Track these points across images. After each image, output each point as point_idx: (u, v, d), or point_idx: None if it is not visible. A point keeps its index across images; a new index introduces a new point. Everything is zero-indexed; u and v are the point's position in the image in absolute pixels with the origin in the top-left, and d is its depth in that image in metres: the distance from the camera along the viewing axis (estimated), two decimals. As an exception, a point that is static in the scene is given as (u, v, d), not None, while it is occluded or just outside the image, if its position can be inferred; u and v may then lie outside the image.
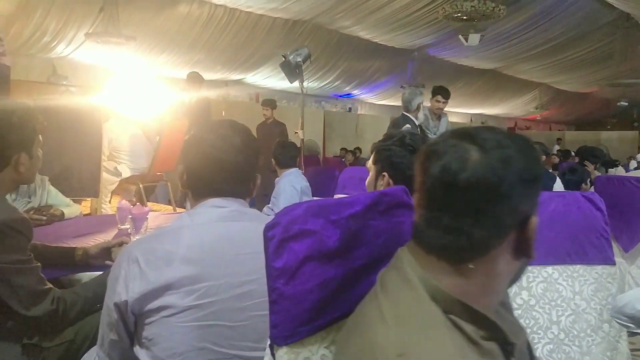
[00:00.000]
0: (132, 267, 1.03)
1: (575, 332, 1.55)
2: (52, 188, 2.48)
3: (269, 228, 0.82)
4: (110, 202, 4.22)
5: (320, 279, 0.83)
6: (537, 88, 15.40)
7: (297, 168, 3.66)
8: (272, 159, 3.59)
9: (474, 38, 8.77)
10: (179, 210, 4.23)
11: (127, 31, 7.13)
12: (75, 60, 8.34)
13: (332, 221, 0.86)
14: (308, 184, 3.50)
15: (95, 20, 7.33)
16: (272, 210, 3.39)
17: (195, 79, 5.33)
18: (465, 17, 8.18)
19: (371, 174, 1.58)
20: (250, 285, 1.08)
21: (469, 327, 0.70)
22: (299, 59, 4.08)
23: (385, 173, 1.52)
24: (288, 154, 3.46)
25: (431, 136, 4.01)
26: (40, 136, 1.47)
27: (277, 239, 0.81)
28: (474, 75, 13.55)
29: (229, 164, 1.14)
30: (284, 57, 4.20)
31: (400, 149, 1.52)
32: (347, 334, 0.76)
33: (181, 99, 5.14)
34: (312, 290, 0.82)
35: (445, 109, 4.63)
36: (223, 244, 1.09)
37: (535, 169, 0.72)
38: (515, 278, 0.79)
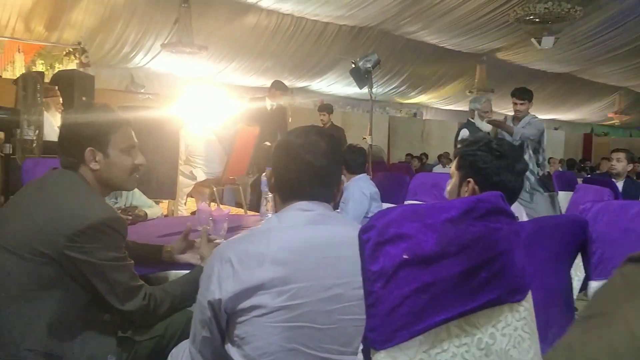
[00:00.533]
0: (224, 267, 1.06)
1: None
2: (136, 190, 2.61)
3: (364, 231, 0.82)
4: (185, 204, 4.39)
5: (417, 284, 0.82)
6: (617, 92, 14.51)
7: (366, 174, 3.65)
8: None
9: (548, 41, 8.40)
10: (249, 212, 4.34)
11: (199, 41, 7.43)
12: (151, 70, 8.80)
13: (428, 225, 0.85)
14: (377, 189, 3.47)
15: (170, 31, 7.69)
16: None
17: (280, 86, 5.47)
18: (538, 20, 7.85)
19: (454, 180, 1.54)
20: (339, 288, 1.08)
21: None
22: (369, 65, 4.08)
23: (470, 179, 1.48)
24: (357, 160, 3.45)
25: (510, 139, 3.82)
26: (129, 142, 1.47)
27: (372, 242, 0.81)
28: (546, 79, 13.00)
29: (318, 168, 1.16)
30: (353, 63, 4.22)
31: (486, 154, 1.48)
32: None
33: (257, 105, 5.28)
34: (410, 294, 0.81)
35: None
36: (311, 246, 1.10)
37: None
38: None
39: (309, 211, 1.16)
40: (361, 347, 0.87)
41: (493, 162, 1.46)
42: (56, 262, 1.30)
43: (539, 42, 8.46)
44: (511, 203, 1.55)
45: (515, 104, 4.19)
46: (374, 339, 0.80)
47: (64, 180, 1.40)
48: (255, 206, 5.28)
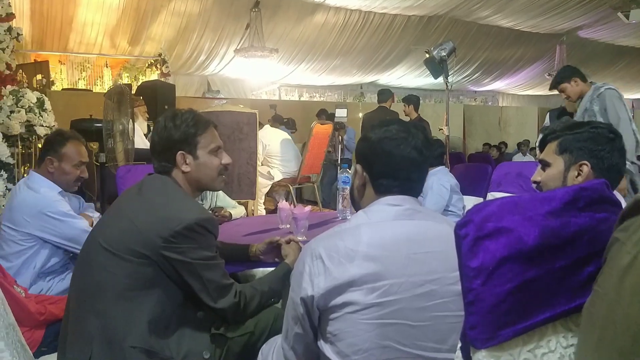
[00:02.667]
0: (316, 263, 1.07)
1: None
2: (220, 192, 2.70)
3: (461, 226, 0.79)
4: (264, 203, 4.51)
5: (519, 280, 0.78)
6: None
7: (444, 166, 3.56)
8: None
9: (637, 14, 7.74)
10: (323, 209, 4.38)
11: (270, 44, 7.59)
12: (225, 75, 9.11)
13: (529, 218, 0.80)
14: (457, 181, 3.37)
15: (242, 36, 7.92)
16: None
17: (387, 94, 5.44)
18: (626, -9, 7.26)
19: (555, 166, 1.43)
20: (431, 285, 1.06)
21: None
22: (444, 54, 3.96)
23: (585, 162, 1.38)
24: (435, 152, 3.37)
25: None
26: (216, 143, 1.54)
27: (470, 237, 0.78)
28: (636, 55, 11.99)
29: (420, 160, 1.15)
30: (427, 53, 4.11)
31: (599, 136, 1.38)
32: None
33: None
34: (512, 291, 0.77)
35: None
36: (401, 242, 1.08)
37: None
38: None
39: (398, 206, 1.14)
40: (459, 345, 0.84)
41: (607, 144, 1.36)
42: (154, 262, 1.36)
43: (627, 16, 7.82)
44: (614, 188, 1.44)
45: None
46: (475, 337, 0.78)
47: (159, 185, 1.48)
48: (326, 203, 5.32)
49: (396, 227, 1.11)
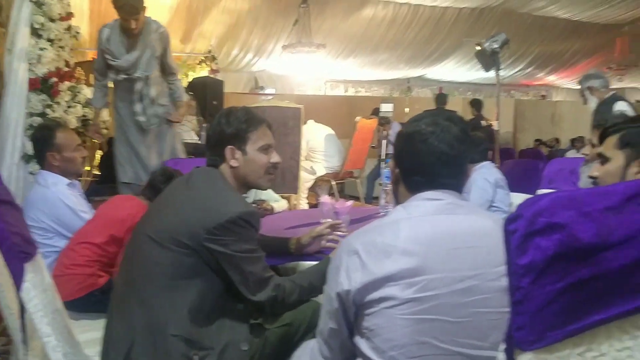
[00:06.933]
0: (352, 259, 1.05)
1: None
2: (264, 184, 2.71)
3: (510, 221, 0.74)
4: (307, 198, 4.52)
5: (572, 279, 0.73)
6: None
7: (490, 161, 3.43)
8: None
9: None
10: (366, 205, 4.34)
11: (318, 39, 7.58)
12: (272, 72, 9.19)
13: (585, 213, 0.75)
14: (503, 176, 3.24)
15: (290, 32, 7.95)
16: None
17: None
18: (697, -24, 6.77)
19: (615, 161, 1.34)
20: (472, 280, 1.01)
21: None
22: (496, 46, 3.82)
23: None
24: (479, 148, 3.24)
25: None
26: (266, 141, 1.55)
27: (520, 233, 0.73)
28: None
29: (450, 155, 1.10)
30: (478, 45, 3.98)
31: None
32: None
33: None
34: (564, 291, 0.72)
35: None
36: (441, 237, 1.05)
37: None
38: None
39: (438, 200, 1.10)
40: (503, 346, 0.80)
41: None
42: (197, 253, 1.38)
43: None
44: None
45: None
46: (522, 338, 0.73)
47: (205, 178, 1.51)
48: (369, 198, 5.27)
49: (436, 222, 1.07)
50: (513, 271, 0.73)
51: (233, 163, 1.52)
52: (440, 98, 5.63)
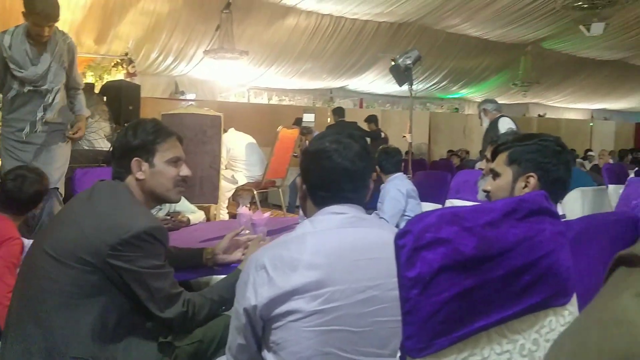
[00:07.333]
0: (260, 274, 1.06)
1: None
2: (179, 196, 2.65)
3: (400, 236, 0.79)
4: (227, 208, 4.46)
5: (456, 290, 0.78)
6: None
7: (402, 172, 3.58)
8: (377, 167, 3.53)
9: (598, 27, 8.02)
10: (287, 215, 4.37)
11: (240, 46, 7.53)
12: (193, 77, 9.00)
13: (467, 228, 0.81)
14: (414, 187, 3.40)
15: (212, 37, 7.83)
16: (379, 216, 3.34)
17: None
18: (586, 6, 7.51)
19: (504, 177, 1.45)
20: (372, 291, 1.06)
21: None
22: (409, 62, 4.01)
23: (532, 174, 1.41)
24: (392, 160, 3.38)
25: None
26: (175, 154, 1.51)
27: (408, 247, 0.78)
28: (595, 67, 12.44)
29: (353, 171, 1.15)
30: (393, 61, 4.15)
31: (546, 149, 1.41)
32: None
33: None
34: (448, 301, 0.78)
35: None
36: (345, 249, 1.09)
37: None
38: None
39: (342, 214, 1.15)
40: (399, 354, 0.85)
41: (554, 157, 1.39)
42: (100, 270, 1.33)
43: (588, 29, 8.09)
44: (561, 200, 1.47)
45: None
46: (411, 347, 0.78)
47: (109, 191, 1.45)
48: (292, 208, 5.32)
49: (341, 235, 1.11)
50: (402, 284, 0.78)
51: (139, 175, 1.47)
52: (338, 111, 5.97)
